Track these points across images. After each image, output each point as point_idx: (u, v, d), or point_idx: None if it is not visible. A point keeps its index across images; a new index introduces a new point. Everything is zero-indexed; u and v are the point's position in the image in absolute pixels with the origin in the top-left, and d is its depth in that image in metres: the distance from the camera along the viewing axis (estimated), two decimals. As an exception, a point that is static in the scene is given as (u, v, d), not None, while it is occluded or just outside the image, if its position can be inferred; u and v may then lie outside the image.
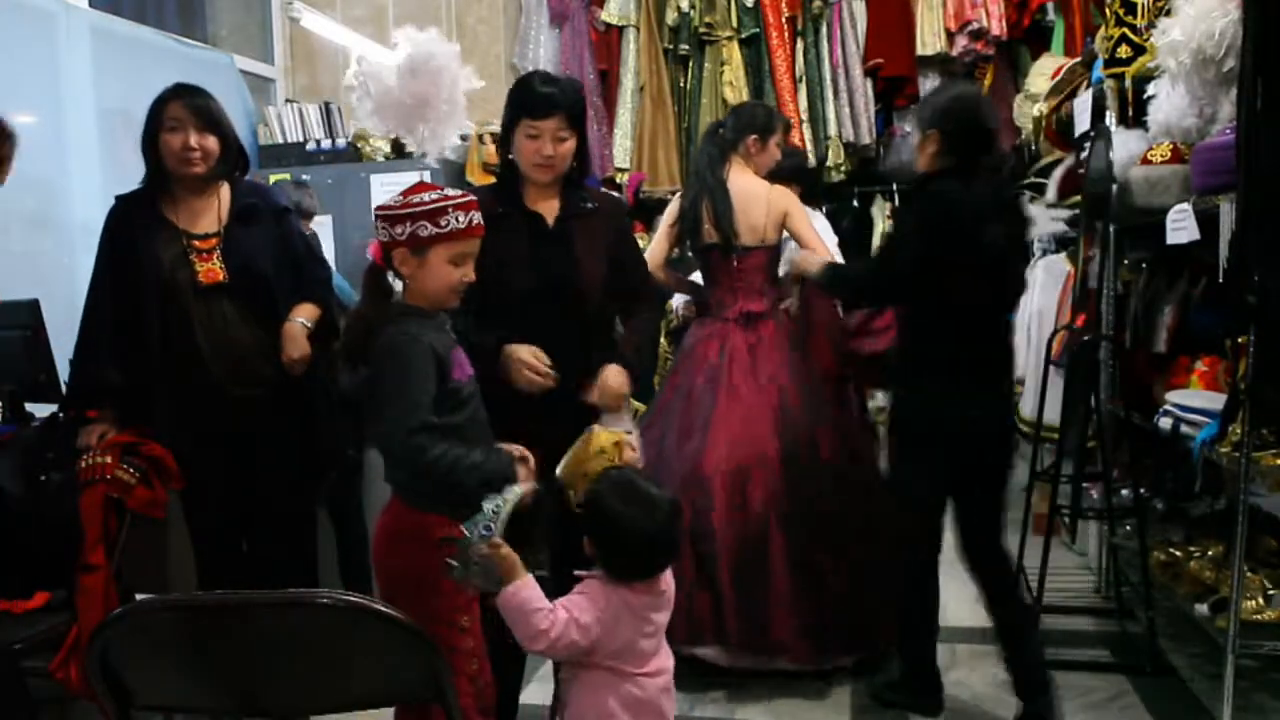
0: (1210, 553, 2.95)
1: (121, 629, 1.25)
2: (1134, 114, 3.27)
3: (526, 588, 1.69)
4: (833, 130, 5.15)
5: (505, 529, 1.71)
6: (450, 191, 1.99)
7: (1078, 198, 3.60)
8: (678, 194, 3.38)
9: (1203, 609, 2.71)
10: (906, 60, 5.05)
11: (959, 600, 3.57)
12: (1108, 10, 3.38)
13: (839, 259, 3.32)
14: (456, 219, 1.95)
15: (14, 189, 3.39)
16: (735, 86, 5.11)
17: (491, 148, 4.52)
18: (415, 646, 1.24)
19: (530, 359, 2.26)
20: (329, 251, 3.94)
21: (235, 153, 2.59)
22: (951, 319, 2.58)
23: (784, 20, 5.12)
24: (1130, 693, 2.87)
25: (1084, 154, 3.47)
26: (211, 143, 2.49)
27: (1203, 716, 2.70)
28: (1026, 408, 4.23)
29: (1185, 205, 2.75)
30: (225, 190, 2.58)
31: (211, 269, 2.49)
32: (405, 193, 1.98)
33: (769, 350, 3.14)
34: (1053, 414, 3.44)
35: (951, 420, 2.58)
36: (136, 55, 3.90)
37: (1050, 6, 5.02)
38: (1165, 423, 2.89)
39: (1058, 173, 3.93)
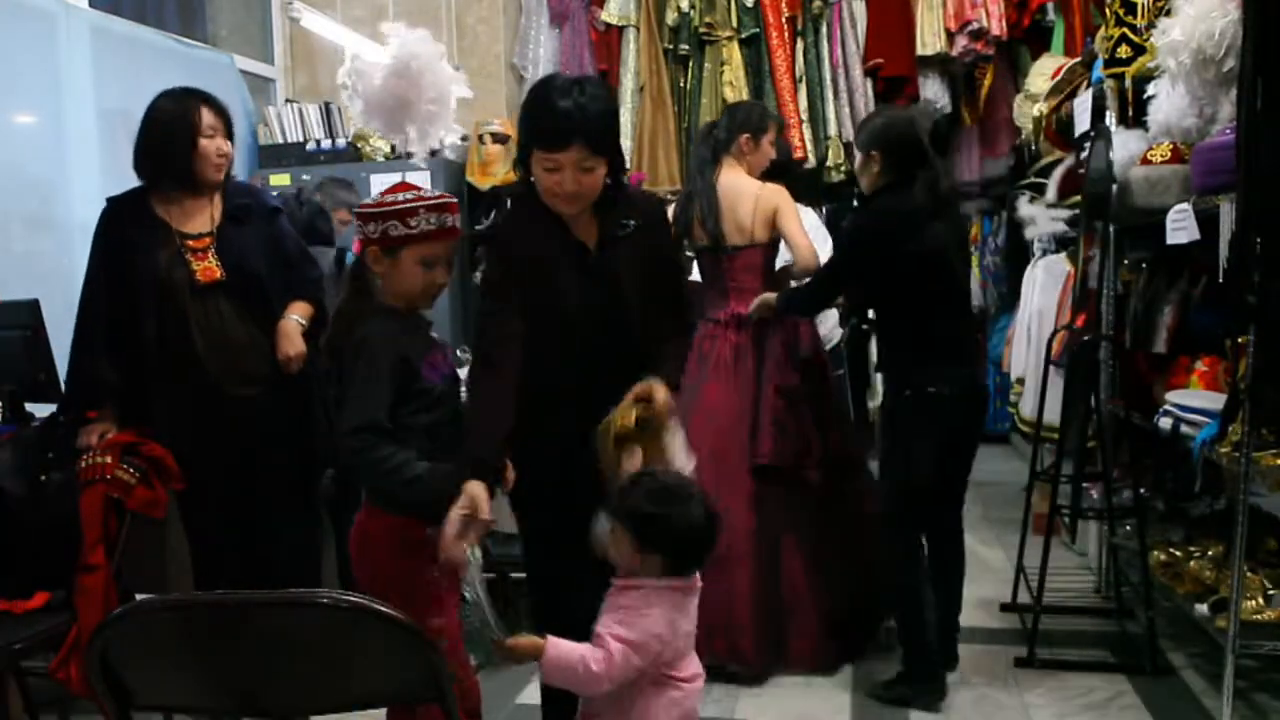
0: (1210, 553, 2.95)
1: (121, 629, 1.25)
2: (1134, 114, 3.27)
3: (553, 649, 1.66)
4: (833, 130, 5.16)
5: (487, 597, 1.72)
6: (425, 192, 1.97)
7: (1078, 198, 3.60)
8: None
9: (1203, 609, 2.71)
10: (906, 60, 5.05)
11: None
12: (1108, 10, 3.38)
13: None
14: (427, 220, 1.93)
15: (14, 189, 3.40)
16: (735, 86, 5.11)
17: (491, 147, 4.53)
18: (415, 646, 1.24)
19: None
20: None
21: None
22: (914, 309, 2.82)
23: (784, 20, 5.12)
24: (1130, 693, 2.86)
25: (1084, 154, 3.47)
26: (230, 148, 2.57)
27: (1203, 716, 2.70)
28: (1026, 408, 4.23)
29: (1185, 205, 2.75)
30: (218, 191, 2.61)
31: (209, 267, 2.50)
32: (384, 191, 1.97)
33: (759, 352, 3.14)
34: (1053, 414, 3.44)
35: (931, 393, 2.78)
36: (136, 55, 3.90)
37: (1050, 6, 5.02)
38: (1165, 423, 2.89)
39: (1058, 173, 3.93)
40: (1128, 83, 3.26)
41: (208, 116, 2.51)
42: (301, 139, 4.59)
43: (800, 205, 3.42)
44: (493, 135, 4.57)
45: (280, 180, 4.32)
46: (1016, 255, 5.86)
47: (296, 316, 2.59)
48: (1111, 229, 3.35)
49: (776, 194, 3.17)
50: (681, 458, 2.04)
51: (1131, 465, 3.36)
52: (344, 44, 4.48)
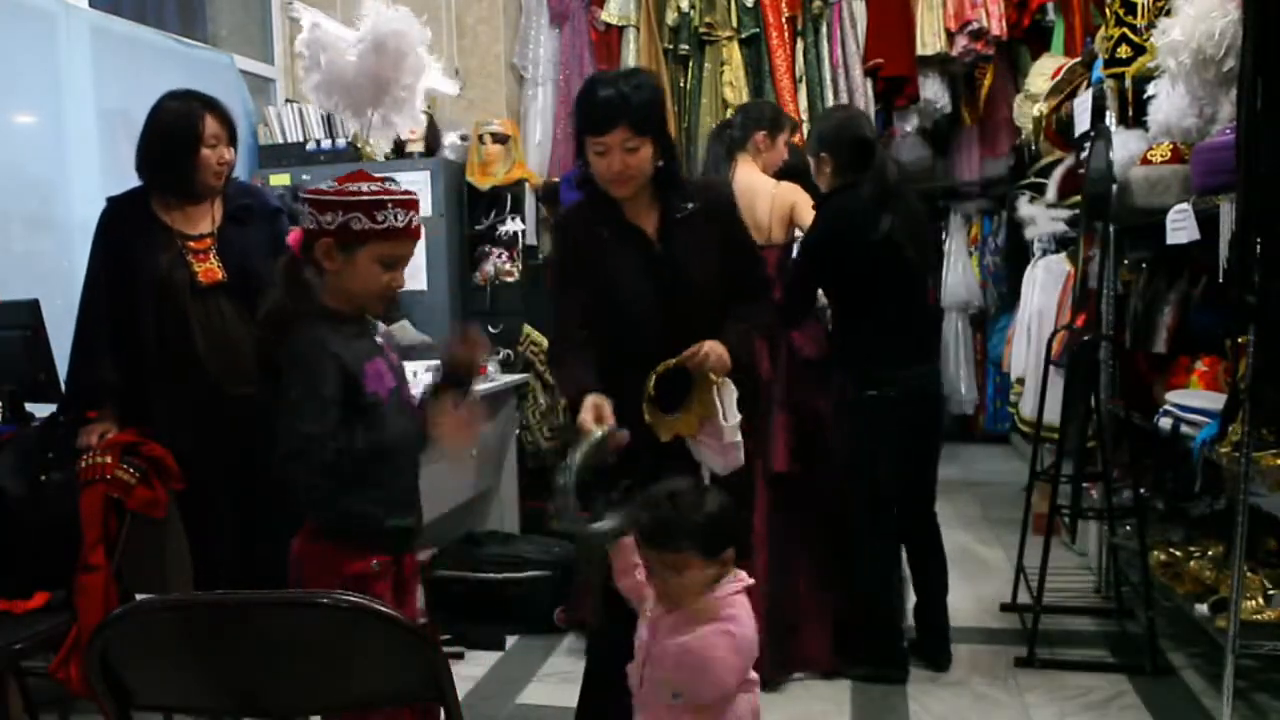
0: (1210, 553, 2.96)
1: (121, 629, 1.25)
2: (1134, 114, 3.27)
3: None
4: (833, 130, 5.15)
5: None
6: (392, 185, 1.80)
7: (1078, 198, 3.60)
8: None
9: (1203, 609, 2.71)
10: (906, 60, 5.04)
11: (959, 600, 3.59)
12: (1108, 10, 3.38)
13: None
14: (395, 216, 1.76)
15: (14, 189, 3.40)
16: (735, 86, 5.11)
17: (491, 147, 4.52)
18: (415, 646, 1.23)
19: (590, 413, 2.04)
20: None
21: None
22: (867, 307, 2.91)
23: (784, 20, 5.12)
24: (1130, 693, 2.87)
25: (1084, 154, 3.47)
26: (233, 155, 2.56)
27: (1203, 716, 2.70)
28: (1026, 408, 4.24)
29: (1185, 205, 2.75)
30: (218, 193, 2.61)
31: (210, 268, 2.51)
32: (341, 180, 1.79)
33: (778, 348, 3.13)
34: (1053, 414, 3.45)
35: (876, 396, 2.88)
36: (136, 55, 3.90)
37: (1050, 6, 5.01)
38: (1165, 423, 2.89)
39: (1058, 173, 3.93)
40: (1128, 83, 3.26)
41: (211, 125, 2.50)
42: (301, 139, 4.58)
43: None
44: (493, 135, 4.56)
45: (280, 180, 4.31)
46: (1016, 255, 5.87)
47: None
48: (1111, 229, 3.35)
49: (792, 191, 3.17)
50: (731, 412, 2.08)
51: (1131, 465, 3.36)
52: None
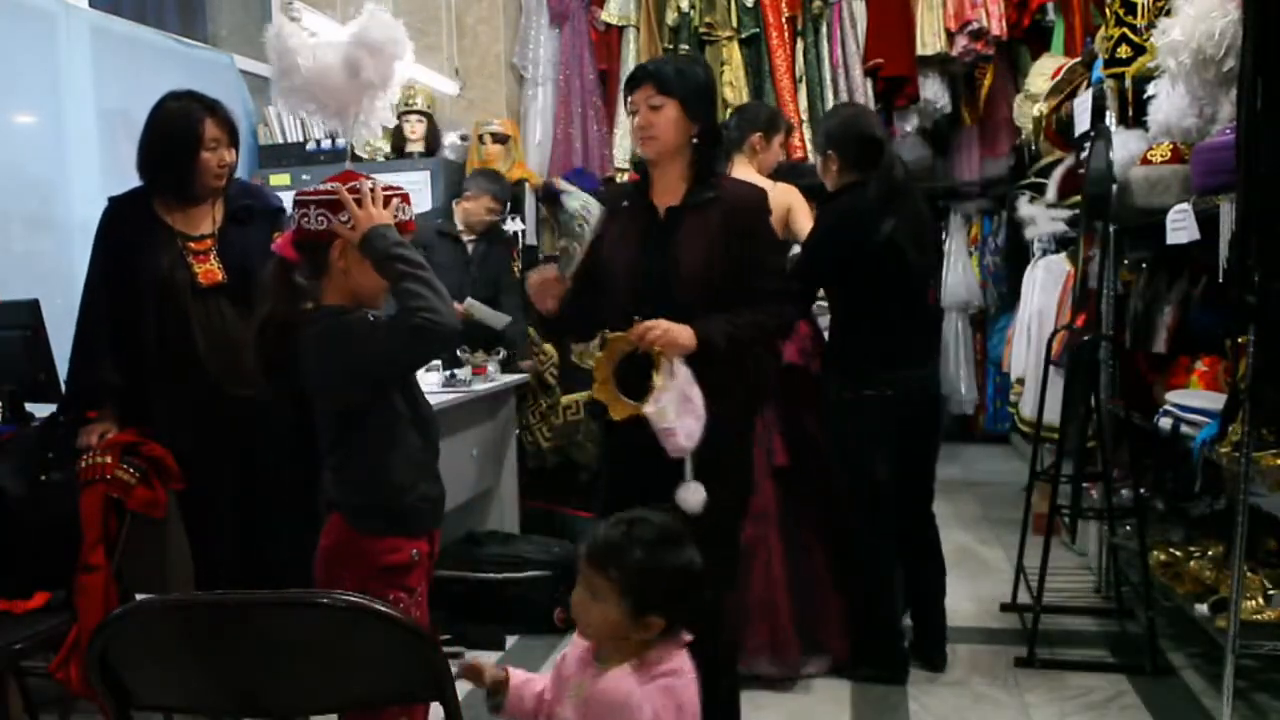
0: (1210, 553, 2.96)
1: (121, 629, 1.25)
2: (1134, 114, 3.27)
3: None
4: (833, 130, 5.15)
5: None
6: (381, 181, 1.82)
7: (1078, 198, 3.60)
8: None
9: (1203, 609, 2.71)
10: (906, 60, 5.05)
11: (959, 600, 3.59)
12: (1108, 10, 3.38)
13: None
14: (402, 211, 1.81)
15: (14, 189, 3.40)
16: (735, 86, 5.11)
17: (491, 147, 4.53)
18: (415, 646, 1.23)
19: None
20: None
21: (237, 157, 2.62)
22: (868, 307, 2.90)
23: (784, 20, 5.12)
24: (1130, 693, 2.86)
25: (1084, 154, 3.47)
26: (234, 156, 2.55)
27: (1203, 716, 2.70)
28: (1026, 408, 4.24)
29: (1185, 205, 2.75)
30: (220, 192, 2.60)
31: (210, 269, 2.50)
32: (335, 179, 1.79)
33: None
34: (1053, 414, 3.45)
35: (887, 384, 2.88)
36: (136, 55, 3.90)
37: (1050, 6, 5.02)
38: (1165, 423, 2.89)
39: (1058, 173, 3.93)
40: (1128, 83, 3.26)
41: (212, 128, 2.48)
42: (301, 139, 4.59)
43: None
44: (493, 135, 4.56)
45: (280, 180, 4.31)
46: (1016, 255, 5.87)
47: None
48: (1111, 229, 3.35)
49: (788, 193, 3.17)
50: (666, 395, 2.05)
51: (1131, 465, 3.36)
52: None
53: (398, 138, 4.57)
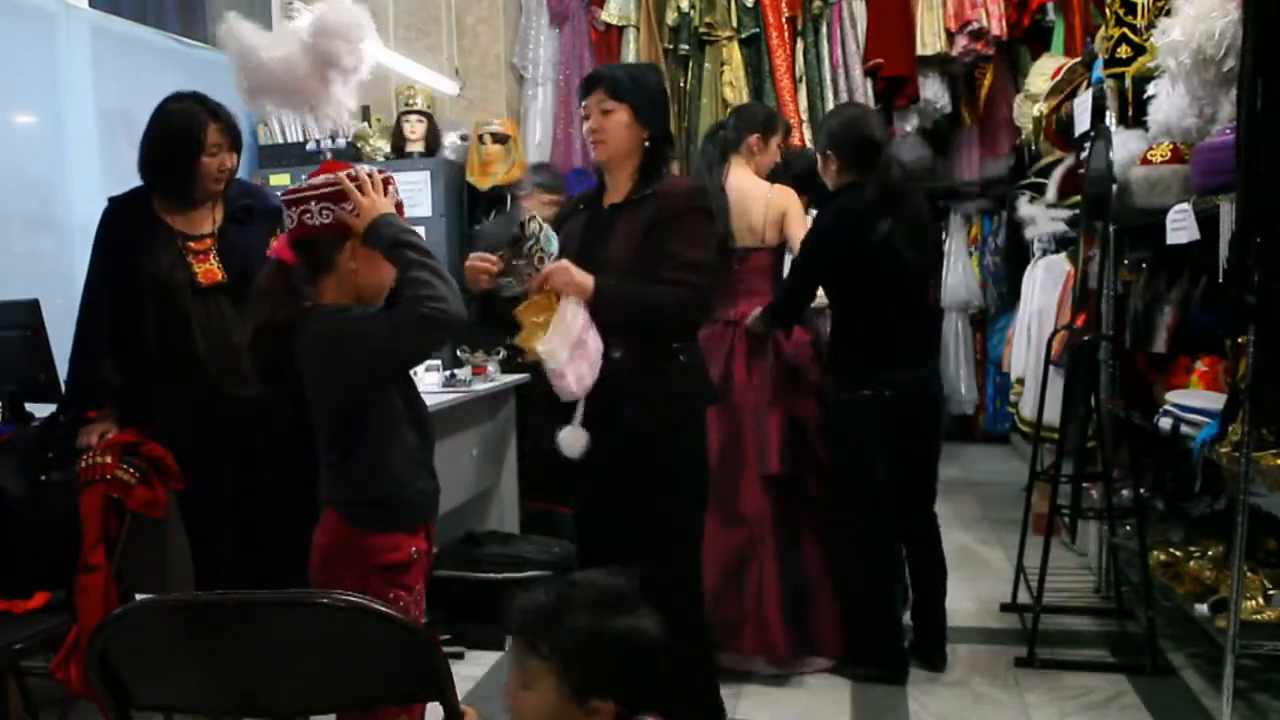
0: (1210, 553, 2.96)
1: (121, 629, 1.25)
2: (1134, 114, 3.27)
3: None
4: (833, 130, 5.15)
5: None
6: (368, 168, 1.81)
7: (1078, 198, 3.60)
8: None
9: (1203, 609, 2.71)
10: (906, 60, 5.05)
11: (959, 600, 3.59)
12: (1108, 10, 3.38)
13: None
14: (397, 194, 1.83)
15: (14, 189, 3.40)
16: (735, 86, 5.11)
17: (491, 147, 4.52)
18: (415, 646, 1.23)
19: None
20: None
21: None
22: (866, 307, 2.91)
23: (784, 20, 5.12)
24: (1130, 693, 2.86)
25: (1084, 154, 3.46)
26: (236, 160, 2.56)
27: (1203, 716, 2.70)
28: (1026, 408, 4.24)
29: (1185, 205, 2.75)
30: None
31: (210, 269, 2.50)
32: (322, 172, 1.77)
33: (770, 354, 3.13)
34: (1053, 414, 3.45)
35: (872, 395, 2.89)
36: (136, 55, 3.90)
37: (1050, 6, 5.02)
38: (1165, 423, 2.89)
39: (1058, 173, 3.93)
40: (1128, 83, 3.26)
41: (214, 134, 2.48)
42: (301, 139, 4.59)
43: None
44: (493, 135, 4.56)
45: (280, 180, 4.31)
46: (1016, 255, 5.87)
47: None
48: (1111, 229, 3.35)
49: (785, 196, 3.17)
50: (557, 350, 2.08)
51: (1131, 465, 3.36)
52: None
53: (398, 138, 4.57)
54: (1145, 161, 3.10)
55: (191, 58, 4.21)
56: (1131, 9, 3.22)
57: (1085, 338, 3.29)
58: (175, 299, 2.47)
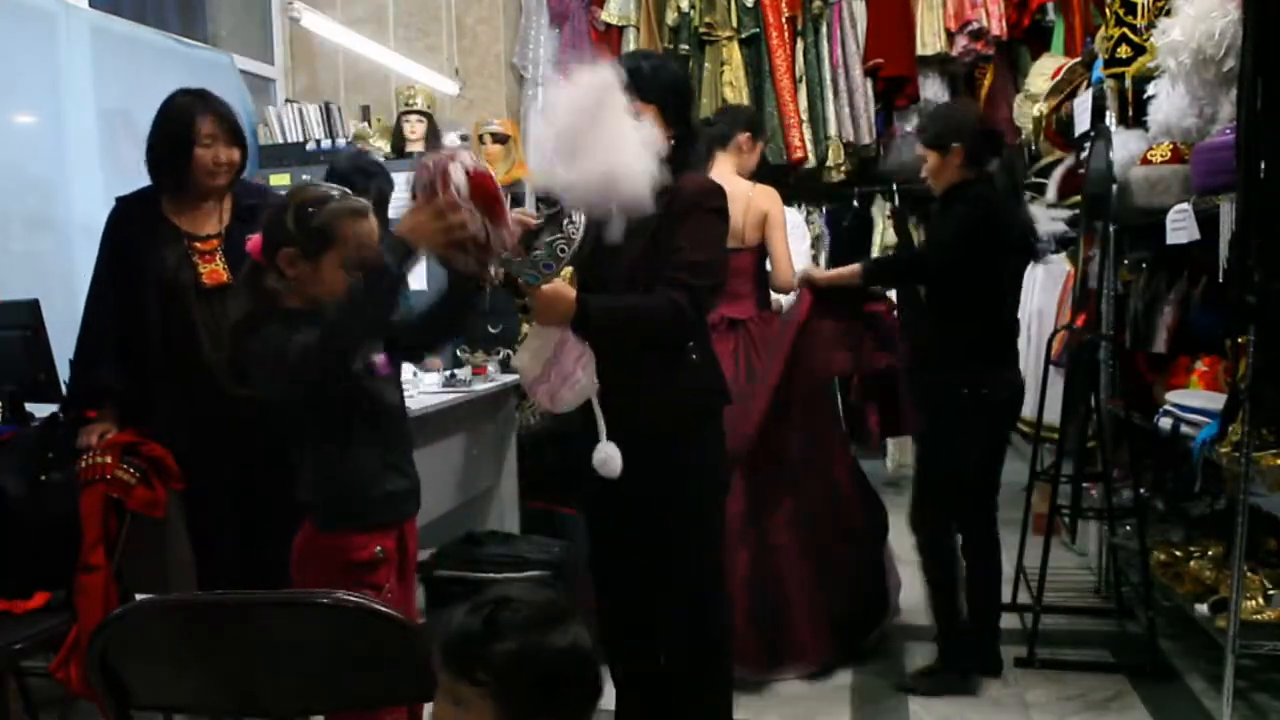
0: (1210, 553, 2.96)
1: (121, 629, 1.25)
2: (1134, 114, 3.27)
3: None
4: (833, 130, 5.16)
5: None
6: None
7: (1078, 198, 3.60)
8: None
9: (1203, 609, 2.71)
10: (906, 60, 5.05)
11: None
12: (1108, 10, 3.38)
13: (804, 263, 3.42)
14: None
15: (14, 189, 3.40)
16: (735, 86, 5.11)
17: (491, 147, 4.53)
18: (415, 646, 1.23)
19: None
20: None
21: (246, 157, 2.59)
22: (990, 303, 2.83)
23: (784, 20, 5.12)
24: (1130, 693, 2.86)
25: (1084, 154, 3.47)
26: (236, 155, 2.51)
27: (1203, 716, 2.70)
28: (1026, 408, 4.23)
29: (1185, 205, 2.75)
30: (224, 194, 2.58)
31: (215, 270, 2.49)
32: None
33: (755, 354, 3.11)
34: (1053, 414, 3.44)
35: (999, 388, 2.84)
36: (136, 55, 3.90)
37: (1050, 6, 5.02)
38: (1165, 423, 2.89)
39: (1058, 173, 3.93)
40: (1128, 83, 3.26)
41: (207, 125, 2.45)
42: (301, 139, 4.59)
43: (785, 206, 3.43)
44: (493, 135, 4.57)
45: (280, 180, 4.30)
46: (1016, 255, 5.86)
47: None
48: (1111, 229, 3.35)
49: (767, 197, 3.15)
50: (529, 363, 2.04)
51: (1131, 465, 3.36)
52: (344, 44, 4.48)
53: (398, 138, 4.57)
54: (1145, 161, 3.10)
55: (191, 58, 4.21)
56: (1131, 9, 3.22)
57: (1085, 338, 3.29)
58: (180, 299, 2.46)
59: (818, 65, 5.14)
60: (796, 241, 3.56)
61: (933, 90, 5.16)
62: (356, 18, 5.01)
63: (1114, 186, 3.19)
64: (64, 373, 2.71)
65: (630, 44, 5.28)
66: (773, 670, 2.98)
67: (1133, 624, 3.33)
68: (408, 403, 2.14)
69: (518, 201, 4.49)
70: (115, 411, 2.51)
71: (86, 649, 1.28)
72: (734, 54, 5.16)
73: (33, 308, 2.67)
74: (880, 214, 5.42)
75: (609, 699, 2.07)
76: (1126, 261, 3.68)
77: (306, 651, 1.26)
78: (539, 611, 1.11)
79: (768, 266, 3.22)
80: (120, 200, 2.58)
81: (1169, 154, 3.03)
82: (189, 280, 2.47)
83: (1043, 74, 4.48)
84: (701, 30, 5.18)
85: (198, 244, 2.50)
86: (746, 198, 3.10)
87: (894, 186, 5.39)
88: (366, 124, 4.75)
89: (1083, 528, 3.91)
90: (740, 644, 2.85)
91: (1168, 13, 2.82)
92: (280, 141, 4.61)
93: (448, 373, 3.59)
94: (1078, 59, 4.07)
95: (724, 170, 3.16)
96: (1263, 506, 2.79)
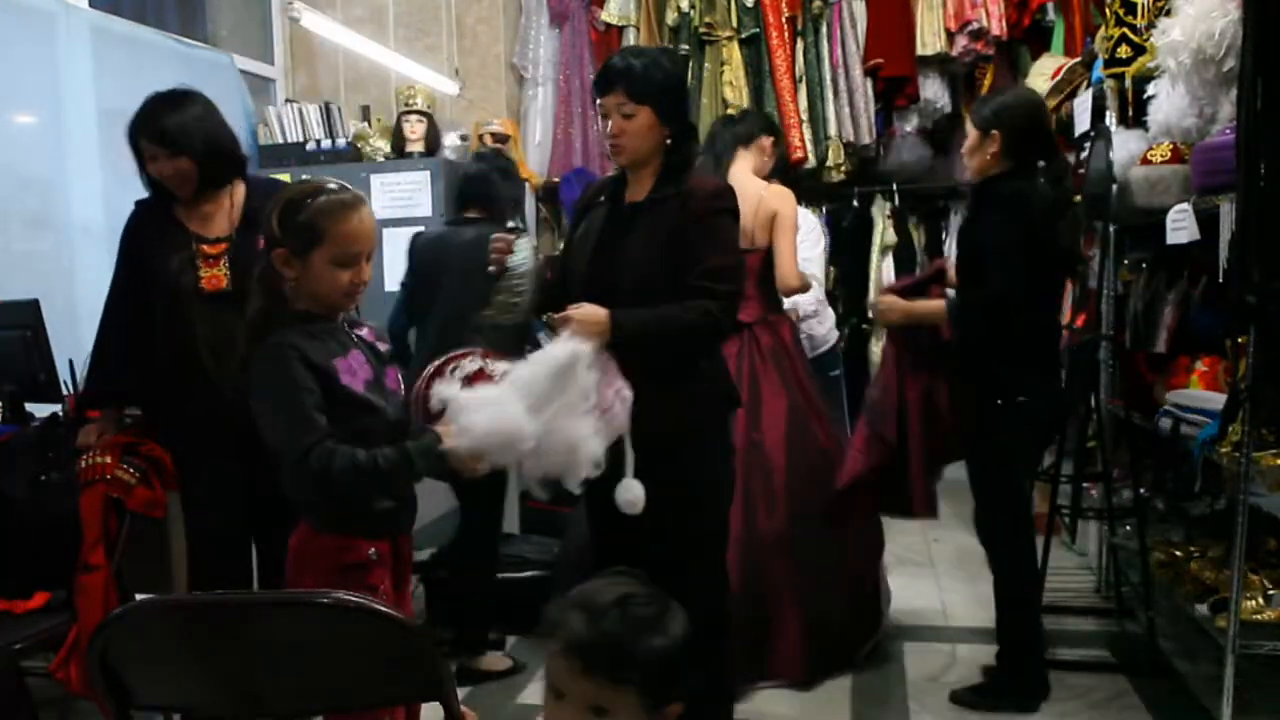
0: (1210, 553, 2.96)
1: (121, 629, 1.25)
2: (1134, 114, 3.27)
3: None
4: (833, 130, 5.16)
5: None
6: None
7: (1078, 198, 3.60)
8: None
9: (1203, 609, 2.71)
10: (906, 60, 5.05)
11: (959, 600, 3.59)
12: (1108, 10, 3.38)
13: (817, 267, 3.38)
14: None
15: (14, 189, 3.40)
16: (735, 86, 5.11)
17: (491, 147, 4.52)
18: (415, 646, 1.24)
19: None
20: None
21: (224, 158, 2.48)
22: (1034, 311, 2.68)
23: (784, 20, 5.12)
24: (1130, 693, 2.86)
25: (1084, 154, 3.47)
26: (184, 164, 2.39)
27: (1203, 716, 2.69)
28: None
29: (1185, 205, 2.75)
30: (240, 191, 2.51)
31: (215, 275, 2.44)
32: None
33: (760, 360, 3.08)
34: (1052, 414, 3.44)
35: (1048, 397, 2.75)
36: (136, 55, 3.90)
37: (1050, 6, 5.02)
38: (1165, 423, 2.89)
39: (1058, 173, 3.93)
40: (1128, 83, 3.26)
41: (144, 143, 2.39)
42: (301, 139, 4.59)
43: (800, 207, 3.41)
44: (493, 135, 4.57)
45: (280, 180, 4.31)
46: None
47: None
48: (1111, 229, 3.35)
49: (779, 197, 3.13)
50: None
51: (1131, 465, 3.36)
52: (345, 44, 4.48)
53: (398, 138, 4.57)
54: (1145, 161, 3.10)
55: (191, 58, 4.21)
56: (1131, 9, 3.22)
57: (1085, 338, 3.29)
58: (182, 304, 2.42)
59: (818, 65, 5.14)
60: (810, 246, 3.53)
61: (933, 90, 5.16)
62: (356, 18, 5.02)
63: (1114, 186, 3.19)
64: (64, 373, 2.71)
65: (630, 44, 5.28)
66: (756, 681, 2.93)
67: (1133, 624, 3.33)
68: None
69: (517, 201, 4.48)
70: (117, 413, 2.50)
71: (86, 649, 1.28)
72: (734, 54, 5.15)
73: (33, 308, 2.67)
74: (880, 214, 5.42)
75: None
76: (1126, 261, 3.68)
77: (306, 651, 1.26)
78: (654, 602, 1.17)
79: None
80: (138, 204, 2.55)
81: (1169, 154, 3.03)
82: (190, 285, 2.43)
83: (1043, 74, 4.48)
84: (701, 30, 5.18)
85: (205, 247, 2.46)
86: (759, 197, 3.09)
87: (894, 186, 5.39)
88: (366, 124, 4.75)
89: (1083, 528, 3.91)
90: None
91: (1168, 13, 2.82)
92: (280, 141, 4.61)
93: (448, 373, 3.59)
94: (1078, 59, 4.07)
95: (743, 168, 3.18)
96: (1263, 506, 2.79)
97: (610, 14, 5.28)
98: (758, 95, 5.10)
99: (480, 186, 3.27)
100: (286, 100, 5.00)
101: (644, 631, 1.14)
